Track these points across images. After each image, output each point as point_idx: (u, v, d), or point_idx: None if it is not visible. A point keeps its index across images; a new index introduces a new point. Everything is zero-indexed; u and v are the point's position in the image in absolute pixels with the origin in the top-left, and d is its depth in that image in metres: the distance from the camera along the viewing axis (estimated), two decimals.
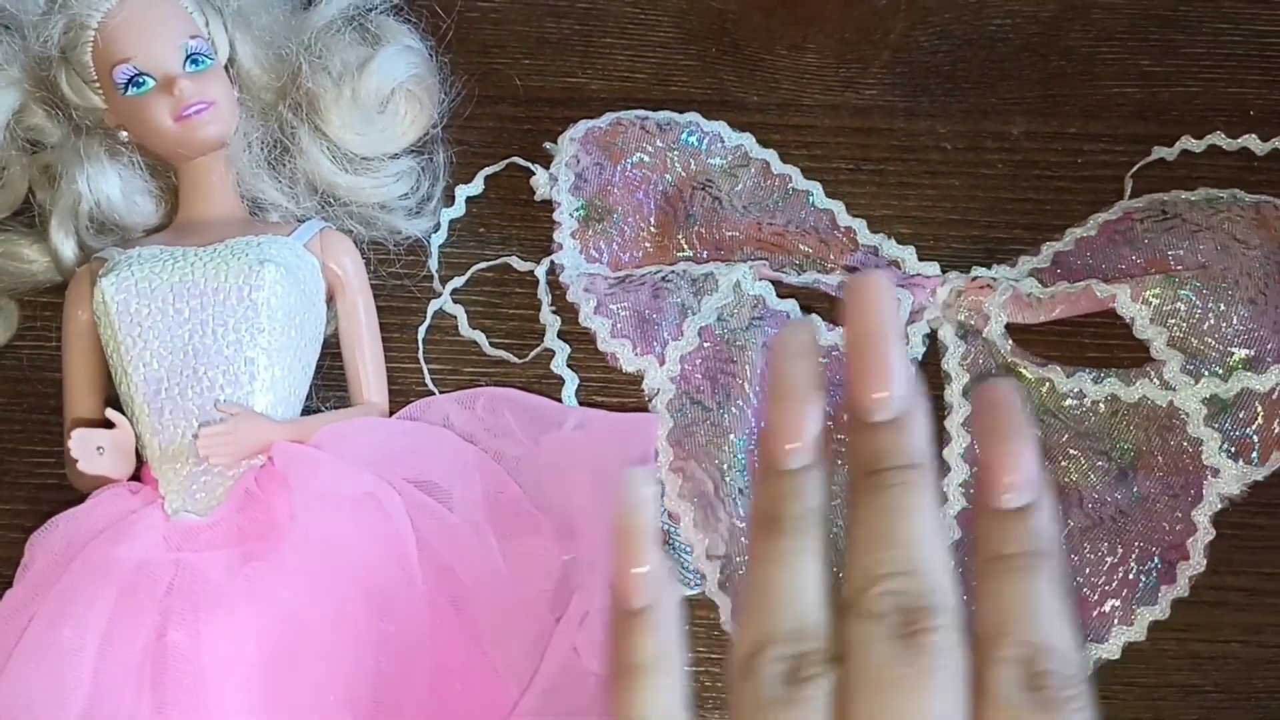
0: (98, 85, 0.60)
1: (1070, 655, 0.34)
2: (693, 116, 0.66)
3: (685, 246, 0.64)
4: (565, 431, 0.57)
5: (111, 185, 0.60)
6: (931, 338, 0.62)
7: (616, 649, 0.37)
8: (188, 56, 0.59)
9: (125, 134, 0.61)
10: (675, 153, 0.65)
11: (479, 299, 0.64)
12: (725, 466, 0.58)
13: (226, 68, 0.62)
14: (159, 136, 0.59)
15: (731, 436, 0.58)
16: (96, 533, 0.53)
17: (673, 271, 0.61)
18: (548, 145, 0.66)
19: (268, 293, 0.55)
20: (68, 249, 0.61)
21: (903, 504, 0.36)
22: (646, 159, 0.65)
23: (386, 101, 0.63)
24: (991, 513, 0.37)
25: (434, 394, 0.60)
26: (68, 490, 0.58)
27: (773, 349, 0.39)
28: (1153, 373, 0.59)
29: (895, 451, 0.37)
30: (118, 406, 0.57)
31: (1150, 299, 0.59)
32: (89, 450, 0.53)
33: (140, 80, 0.59)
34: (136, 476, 0.56)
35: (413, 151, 0.65)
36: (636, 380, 0.61)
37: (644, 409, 0.61)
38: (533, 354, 0.62)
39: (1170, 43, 0.70)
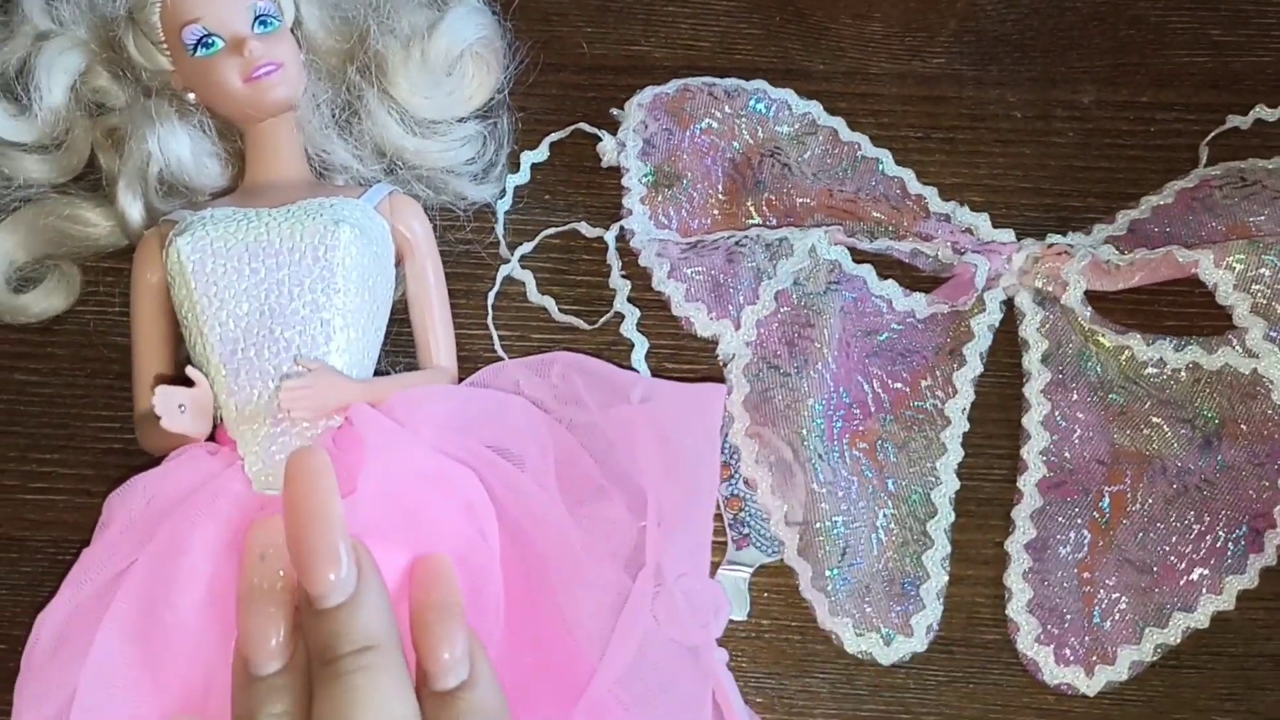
0: (165, 46, 0.59)
1: None
2: (759, 84, 0.65)
3: (754, 214, 0.63)
4: (632, 402, 0.56)
5: (182, 146, 0.59)
6: (1009, 304, 0.61)
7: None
8: (256, 18, 0.59)
9: (192, 96, 0.60)
10: (743, 119, 0.64)
11: (547, 265, 0.63)
12: (804, 432, 0.57)
13: (293, 30, 0.61)
14: (228, 98, 0.58)
15: (810, 401, 0.57)
16: (178, 496, 0.51)
17: (746, 236, 0.61)
18: (614, 111, 0.65)
19: (343, 253, 0.55)
20: (135, 211, 0.60)
21: (361, 691, 0.37)
22: (715, 125, 0.64)
23: (454, 64, 0.62)
24: (432, 694, 0.39)
25: (503, 359, 0.59)
26: (135, 455, 0.57)
27: (244, 551, 0.40)
28: (1235, 340, 0.58)
29: (348, 635, 0.38)
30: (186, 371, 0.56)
31: (1234, 264, 0.58)
32: (171, 407, 0.52)
33: (209, 41, 0.58)
34: (211, 437, 0.55)
35: (478, 116, 0.64)
36: (708, 346, 0.60)
37: (717, 375, 0.60)
38: (602, 320, 0.61)
39: (1241, 12, 0.69)
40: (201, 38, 0.58)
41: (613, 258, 0.62)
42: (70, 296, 0.61)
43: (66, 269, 0.61)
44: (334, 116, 0.61)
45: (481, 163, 0.63)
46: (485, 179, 0.63)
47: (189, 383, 0.53)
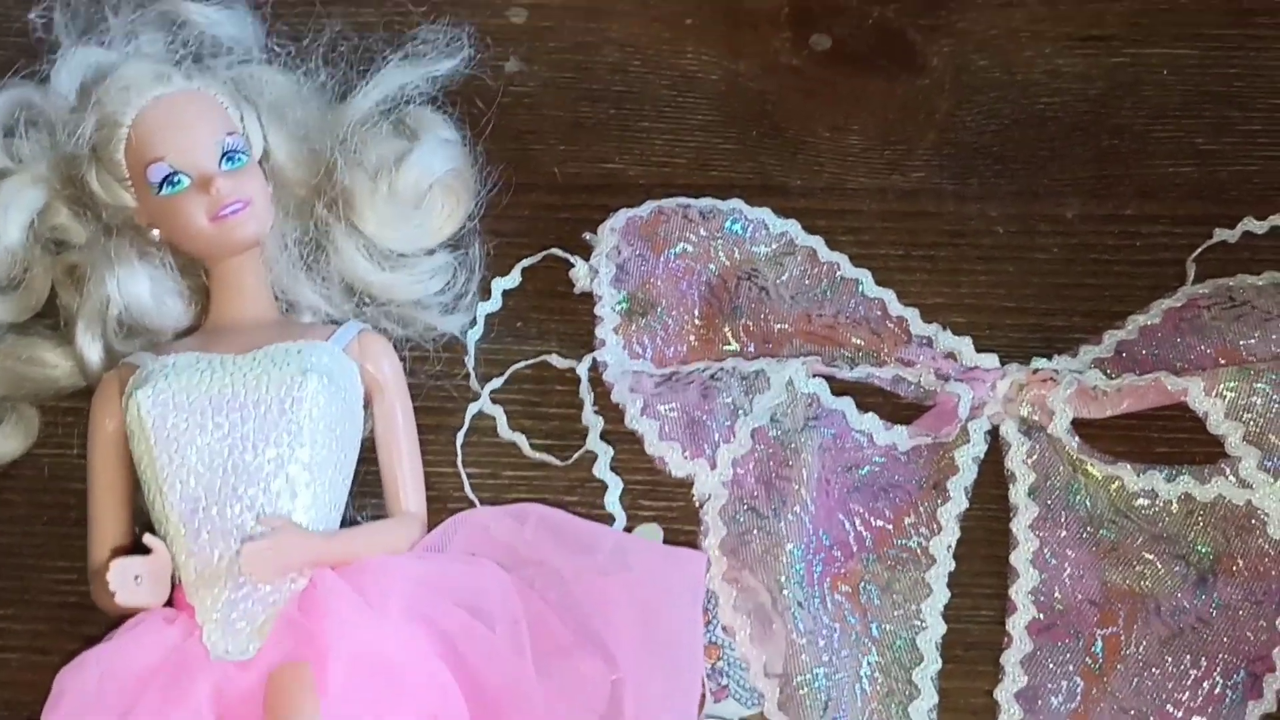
0: (129, 183, 0.58)
1: None
2: (736, 203, 0.64)
3: (731, 339, 0.62)
4: (605, 561, 0.54)
5: (142, 287, 0.57)
6: (993, 434, 0.59)
7: None
8: (224, 154, 0.57)
9: (156, 233, 0.58)
10: (719, 241, 0.63)
11: (518, 398, 0.61)
12: (782, 578, 0.55)
13: (260, 163, 0.60)
14: (193, 236, 0.57)
15: (788, 545, 0.55)
16: (135, 673, 0.49)
17: (721, 369, 0.59)
18: (587, 236, 0.64)
19: (310, 404, 0.53)
20: (94, 353, 0.58)
21: None
22: (690, 249, 0.63)
23: (423, 197, 0.61)
24: None
25: (474, 503, 0.58)
26: (91, 609, 0.55)
27: None
28: (1228, 469, 0.56)
29: None
30: (146, 520, 0.54)
31: (1225, 392, 0.57)
32: (127, 581, 0.50)
33: (175, 179, 0.56)
34: (169, 601, 0.53)
35: (448, 246, 0.62)
36: (685, 484, 0.58)
37: (693, 514, 0.58)
38: (575, 456, 0.59)
39: (1226, 120, 0.68)
40: (167, 175, 0.57)
41: (585, 392, 0.60)
42: (28, 439, 0.60)
43: (24, 411, 0.60)
44: (301, 254, 0.60)
45: (451, 293, 0.62)
46: (455, 309, 0.62)
47: (145, 549, 0.52)
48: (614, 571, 0.53)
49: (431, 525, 0.56)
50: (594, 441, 0.59)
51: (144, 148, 0.57)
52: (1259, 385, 0.57)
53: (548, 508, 0.56)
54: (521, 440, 0.60)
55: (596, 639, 0.52)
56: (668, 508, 0.59)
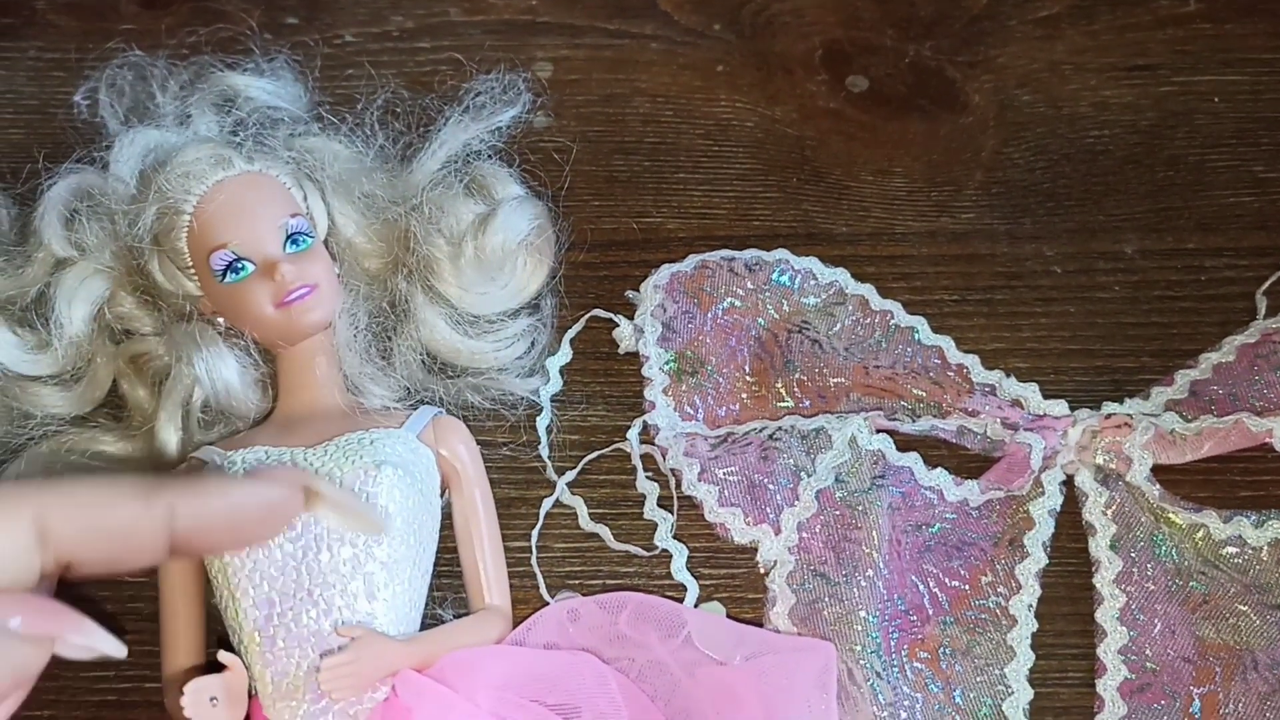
0: (193, 271, 0.56)
1: None
2: (782, 254, 0.62)
3: (786, 396, 0.59)
4: (731, 662, 0.50)
5: (230, 371, 0.55)
6: (1068, 484, 0.56)
7: None
8: (288, 237, 0.55)
9: (222, 321, 0.56)
10: (767, 294, 0.61)
11: (566, 464, 0.59)
12: (859, 648, 0.52)
13: (327, 241, 0.58)
14: (259, 324, 0.54)
15: (862, 613, 0.52)
16: None
17: (780, 428, 0.56)
18: (630, 294, 0.62)
19: (385, 499, 0.50)
20: (173, 443, 0.55)
21: None
22: (738, 303, 0.60)
23: (509, 259, 0.58)
24: None
25: (548, 603, 0.54)
26: (130, 707, 0.53)
27: None
28: None
29: None
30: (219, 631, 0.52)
31: None
32: (202, 703, 0.47)
33: (239, 266, 0.54)
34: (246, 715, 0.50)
35: (528, 308, 0.60)
36: (747, 550, 0.56)
37: (757, 581, 0.55)
38: (655, 549, 0.56)
39: None
40: (230, 263, 0.54)
41: (636, 459, 0.58)
42: None
43: None
44: (374, 332, 0.57)
45: (531, 355, 0.59)
46: (534, 372, 0.59)
47: (221, 666, 0.49)
48: (735, 662, 0.50)
49: (518, 617, 0.54)
50: (651, 509, 0.56)
51: (206, 235, 0.55)
52: None
53: (642, 595, 0.52)
54: (605, 531, 0.56)
55: None
56: (730, 574, 0.56)
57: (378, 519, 0.49)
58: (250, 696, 0.50)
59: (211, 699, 0.48)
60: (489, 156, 0.62)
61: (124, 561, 0.41)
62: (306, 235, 0.55)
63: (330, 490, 0.47)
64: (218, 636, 0.52)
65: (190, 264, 0.56)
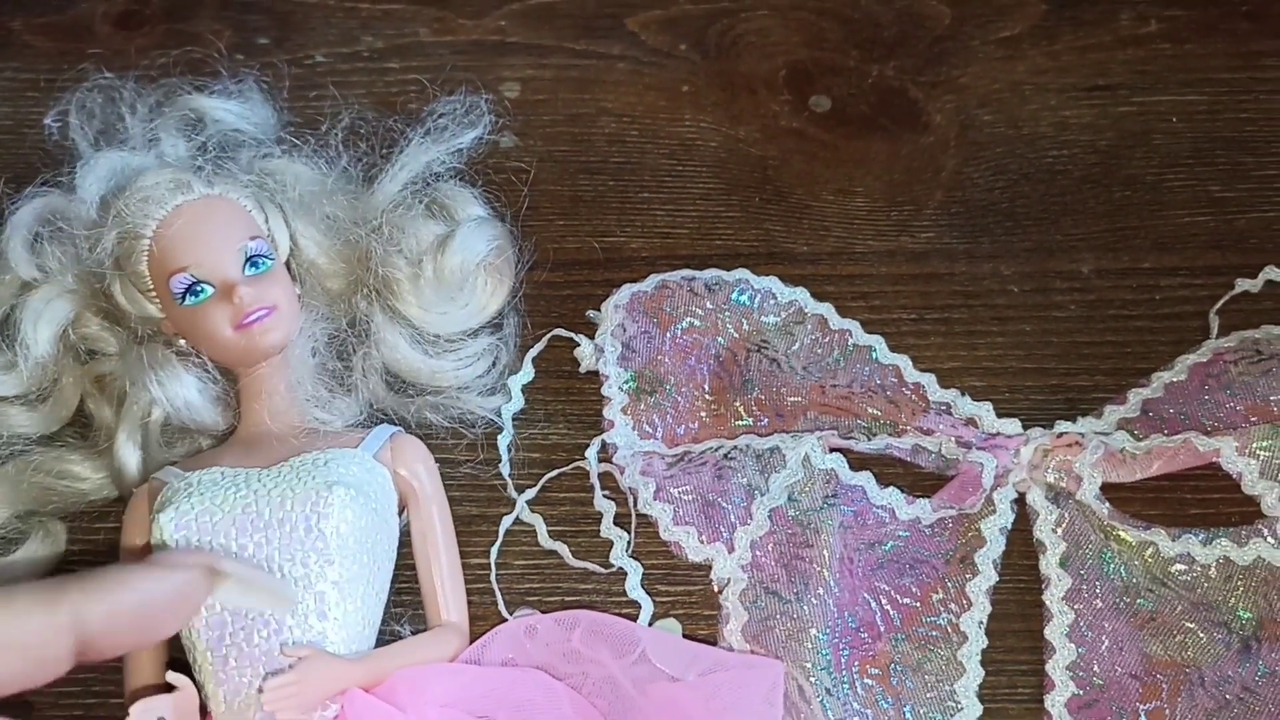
0: (154, 294, 0.57)
1: None
2: (742, 273, 0.62)
3: (744, 414, 0.60)
4: (685, 679, 0.51)
5: (189, 388, 0.56)
6: (1020, 502, 0.57)
7: None
8: (247, 259, 0.56)
9: (183, 342, 0.57)
10: (727, 313, 0.61)
11: (526, 482, 0.59)
12: (809, 664, 0.53)
13: (289, 262, 0.59)
14: (218, 346, 0.55)
15: (813, 630, 0.53)
16: None
17: (735, 447, 0.57)
18: (590, 314, 0.62)
19: (336, 520, 0.51)
20: (133, 463, 0.56)
21: None
22: (697, 323, 0.61)
23: (468, 278, 0.59)
24: None
25: (507, 620, 0.55)
26: None
27: None
28: (1266, 530, 0.54)
29: None
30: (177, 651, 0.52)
31: (1258, 451, 0.55)
32: None
33: (198, 289, 0.55)
34: None
35: (489, 327, 0.61)
36: (702, 568, 0.56)
37: (712, 599, 0.56)
38: (613, 567, 0.57)
39: (1240, 166, 0.67)
40: (190, 286, 0.55)
41: (594, 476, 0.58)
42: (54, 553, 0.57)
43: (51, 526, 0.58)
44: (334, 352, 0.58)
45: (493, 375, 0.60)
46: (496, 390, 0.60)
47: (170, 686, 0.50)
48: (686, 678, 0.50)
49: (477, 634, 0.54)
50: (608, 527, 0.57)
51: (166, 259, 0.55)
52: None
53: (597, 613, 0.53)
54: (563, 549, 0.57)
55: None
56: (686, 592, 0.57)
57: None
58: (205, 715, 0.50)
59: (160, 719, 0.48)
60: (451, 177, 0.62)
61: (31, 678, 0.40)
62: (266, 257, 0.56)
63: (234, 568, 0.48)
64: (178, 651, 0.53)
65: (151, 287, 0.56)
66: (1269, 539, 0.54)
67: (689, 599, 0.56)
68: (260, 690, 0.48)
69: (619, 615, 0.54)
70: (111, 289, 0.57)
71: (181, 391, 0.55)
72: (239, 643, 0.49)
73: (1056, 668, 0.54)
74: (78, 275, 0.58)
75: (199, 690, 0.50)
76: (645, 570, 0.57)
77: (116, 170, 0.59)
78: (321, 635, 0.50)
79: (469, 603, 0.55)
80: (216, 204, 0.57)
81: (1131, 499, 0.57)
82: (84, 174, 0.59)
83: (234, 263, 0.55)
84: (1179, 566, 0.55)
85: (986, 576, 0.55)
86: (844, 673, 0.53)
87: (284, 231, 0.59)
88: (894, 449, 0.58)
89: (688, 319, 0.61)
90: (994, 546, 0.56)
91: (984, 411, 0.59)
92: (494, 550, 0.57)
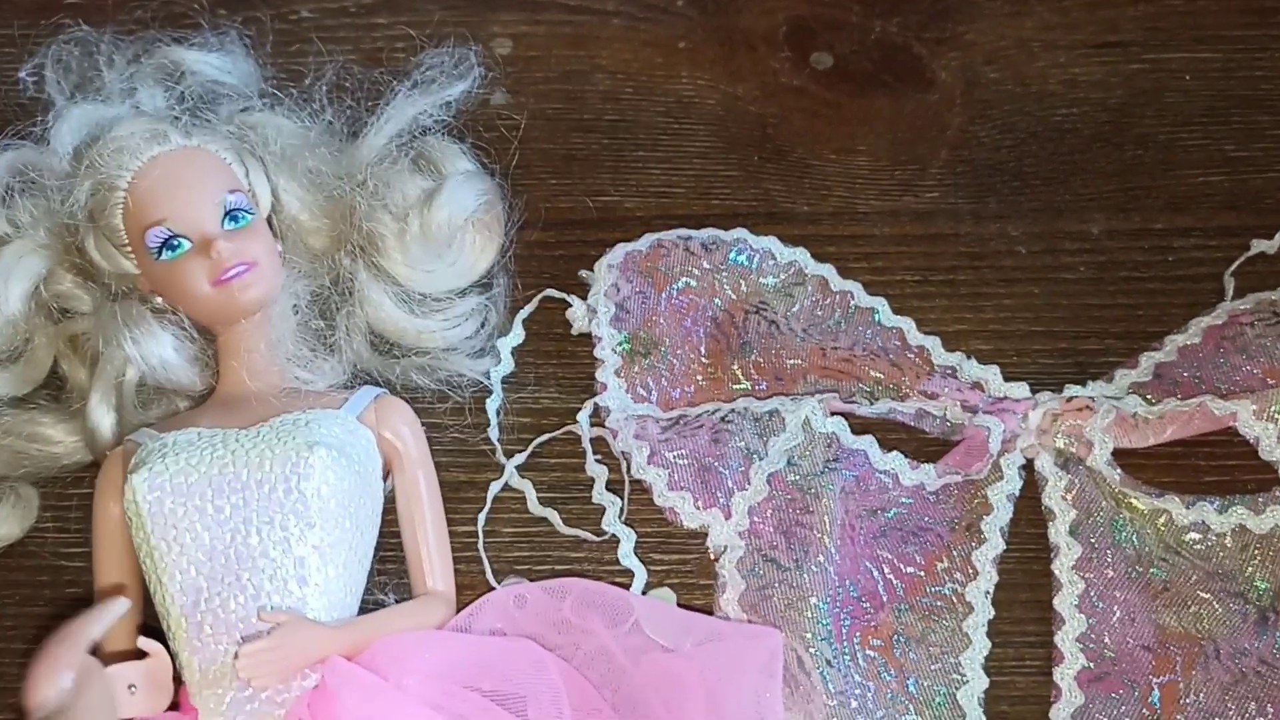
0: (129, 249, 0.54)
1: None
2: (740, 233, 0.60)
3: (741, 378, 0.58)
4: (680, 649, 0.49)
5: (164, 347, 0.53)
6: (1028, 468, 0.55)
7: None
8: (226, 213, 0.53)
9: (160, 300, 0.55)
10: (724, 274, 0.59)
11: (516, 447, 0.57)
12: (809, 635, 0.51)
13: (270, 218, 0.57)
14: (196, 302, 0.53)
15: (813, 599, 0.51)
16: None
17: (733, 410, 0.55)
18: (583, 274, 0.60)
19: (317, 481, 0.49)
20: (107, 425, 0.54)
21: None
22: (693, 283, 0.59)
23: (456, 235, 0.57)
24: None
25: (495, 589, 0.53)
26: None
27: None
28: None
29: None
30: (154, 616, 0.50)
31: (1276, 415, 0.53)
32: (120, 691, 0.46)
33: (175, 243, 0.53)
34: (175, 703, 0.49)
35: (478, 287, 0.59)
36: (699, 535, 0.54)
37: (709, 567, 0.54)
38: (605, 534, 0.55)
39: (1255, 124, 0.64)
40: (166, 239, 0.53)
41: (586, 441, 0.56)
42: (27, 521, 0.55)
43: (23, 491, 0.56)
44: (318, 309, 0.56)
45: (482, 336, 0.58)
46: (485, 353, 0.58)
47: (143, 653, 0.48)
48: (681, 649, 0.49)
49: (465, 603, 0.52)
50: (600, 493, 0.55)
51: (142, 211, 0.53)
52: None
53: (589, 582, 0.51)
54: (554, 516, 0.55)
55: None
56: (681, 561, 0.55)
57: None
58: (179, 684, 0.48)
59: (130, 687, 0.46)
60: (440, 132, 0.60)
61: None
62: (246, 212, 0.54)
63: None
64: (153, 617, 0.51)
65: (126, 241, 0.54)
66: None
67: (684, 567, 0.55)
68: (236, 656, 0.46)
69: (611, 584, 0.52)
70: (85, 244, 0.55)
71: (157, 350, 0.53)
72: (214, 609, 0.48)
73: (1066, 639, 0.52)
74: (50, 230, 0.56)
75: (173, 658, 0.49)
76: (639, 538, 0.55)
77: (91, 121, 0.57)
78: (301, 601, 0.48)
79: (456, 571, 0.53)
80: (194, 155, 0.55)
81: (1144, 465, 0.55)
82: (57, 125, 0.57)
83: (212, 216, 0.53)
84: (1193, 535, 0.53)
85: (993, 545, 0.53)
86: (845, 644, 0.51)
87: (265, 185, 0.57)
88: (897, 413, 0.56)
89: (684, 279, 0.59)
90: (1001, 514, 0.54)
91: (991, 375, 0.57)
92: (482, 517, 0.55)
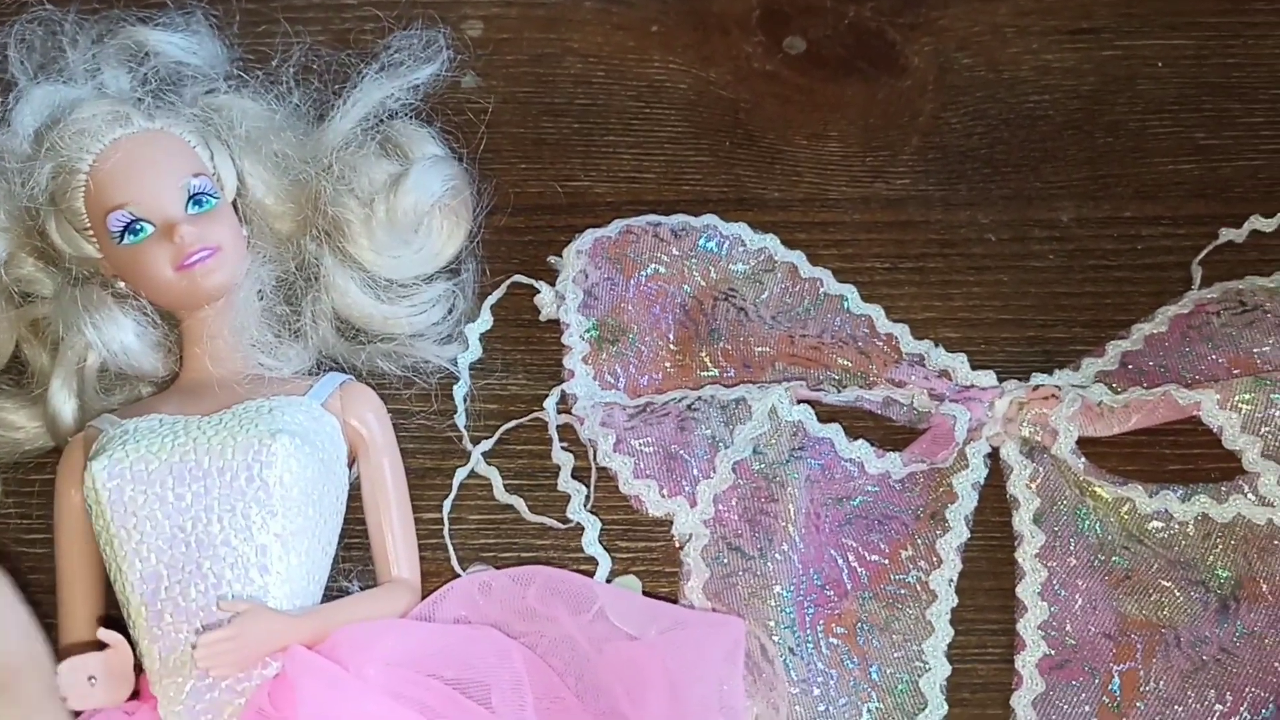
0: (91, 233, 0.54)
1: None
2: (710, 219, 0.60)
3: (710, 365, 0.57)
4: (644, 638, 0.49)
5: (125, 332, 0.53)
6: (993, 457, 0.55)
7: None
8: (190, 197, 0.53)
9: (122, 284, 0.54)
10: (693, 260, 0.59)
11: (483, 434, 0.57)
12: (772, 622, 0.51)
13: (235, 202, 0.56)
14: (159, 287, 0.53)
15: (776, 588, 0.51)
16: None
17: (699, 398, 0.55)
18: (552, 259, 0.60)
19: (280, 469, 0.48)
20: (68, 411, 0.54)
21: None
22: (662, 270, 0.59)
23: (422, 220, 0.56)
24: None
25: (459, 575, 0.53)
26: None
27: None
28: (1247, 487, 0.53)
29: None
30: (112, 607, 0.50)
31: (1240, 404, 0.53)
32: (79, 683, 0.46)
33: (137, 227, 0.52)
34: (136, 691, 0.49)
35: (445, 272, 0.58)
36: (664, 523, 0.54)
37: (674, 555, 0.54)
38: (571, 522, 0.55)
39: (1226, 112, 0.64)
40: (129, 224, 0.52)
41: (553, 429, 0.56)
42: None
43: None
44: (282, 295, 0.55)
45: (449, 322, 0.58)
46: (452, 339, 0.58)
47: (102, 644, 0.47)
48: (645, 637, 0.48)
49: (430, 590, 0.52)
50: (565, 481, 0.55)
51: (103, 195, 0.53)
52: (1276, 396, 0.53)
53: (554, 570, 0.51)
54: (520, 503, 0.55)
55: (615, 709, 0.47)
56: (647, 548, 0.55)
57: None
58: (139, 674, 0.48)
59: (90, 678, 0.46)
60: (407, 116, 0.60)
61: None
62: (210, 195, 0.54)
63: None
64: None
65: (88, 225, 0.54)
66: (1250, 496, 0.52)
67: (649, 555, 0.55)
68: (194, 647, 0.46)
69: (577, 572, 0.52)
70: (47, 227, 0.55)
71: (118, 335, 0.53)
72: (174, 597, 0.47)
73: (1028, 627, 0.52)
74: (10, 213, 0.55)
75: (133, 647, 0.48)
76: (604, 525, 0.55)
77: (53, 102, 0.56)
78: (263, 590, 0.48)
79: (421, 558, 0.53)
80: (157, 138, 0.54)
81: (1108, 454, 0.55)
82: (18, 106, 0.56)
83: (176, 200, 0.53)
84: (1156, 524, 0.53)
85: (957, 533, 0.53)
86: (808, 631, 0.51)
87: (230, 169, 0.56)
88: (864, 401, 0.56)
89: (652, 265, 0.59)
90: (966, 502, 0.54)
91: (958, 363, 0.57)
92: (447, 504, 0.55)
